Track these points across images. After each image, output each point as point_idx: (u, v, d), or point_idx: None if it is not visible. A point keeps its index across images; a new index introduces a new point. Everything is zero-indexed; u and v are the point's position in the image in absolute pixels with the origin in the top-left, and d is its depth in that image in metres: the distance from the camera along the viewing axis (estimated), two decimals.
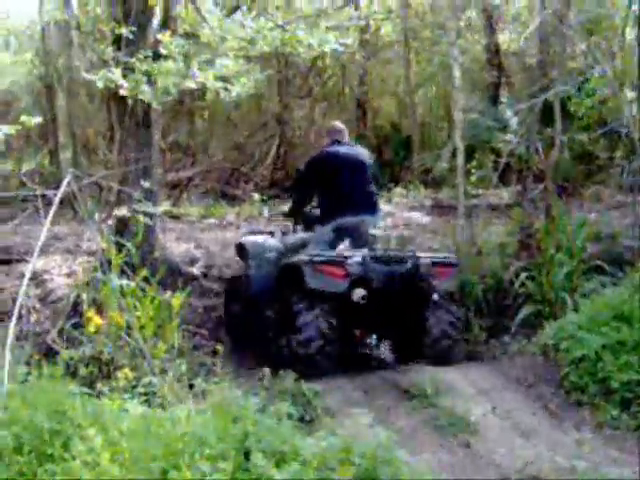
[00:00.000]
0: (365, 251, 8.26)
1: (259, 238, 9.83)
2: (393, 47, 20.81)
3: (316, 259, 8.17)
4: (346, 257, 8.18)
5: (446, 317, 8.62)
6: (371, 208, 9.04)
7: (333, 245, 8.61)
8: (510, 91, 16.78)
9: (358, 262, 8.16)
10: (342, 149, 9.23)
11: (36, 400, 5.23)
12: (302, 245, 9.13)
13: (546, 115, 11.38)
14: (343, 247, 8.42)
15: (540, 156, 11.03)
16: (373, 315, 8.50)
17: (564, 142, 12.00)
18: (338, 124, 9.72)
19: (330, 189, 9.02)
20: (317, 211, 9.37)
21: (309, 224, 9.46)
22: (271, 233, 10.02)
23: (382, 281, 8.20)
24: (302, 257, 8.41)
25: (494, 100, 16.64)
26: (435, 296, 8.43)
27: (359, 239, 8.56)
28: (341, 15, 14.87)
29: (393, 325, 8.79)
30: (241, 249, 9.87)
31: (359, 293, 8.07)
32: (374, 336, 9.14)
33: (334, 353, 8.25)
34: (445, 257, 8.86)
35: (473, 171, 13.78)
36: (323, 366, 8.14)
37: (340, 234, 8.64)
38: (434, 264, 8.45)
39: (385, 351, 9.47)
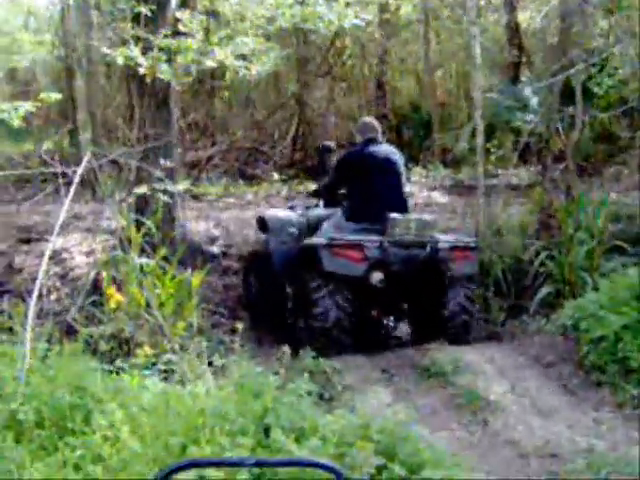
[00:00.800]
0: (381, 238, 8.23)
1: (280, 212, 9.89)
2: (413, 26, 20.72)
3: (334, 242, 8.15)
4: (364, 241, 8.18)
5: (462, 291, 8.61)
6: (402, 211, 8.81)
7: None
8: (530, 70, 16.68)
9: (376, 246, 8.18)
10: (376, 150, 9.03)
11: (57, 376, 5.28)
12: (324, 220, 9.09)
13: (567, 94, 11.31)
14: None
15: (560, 136, 10.99)
16: (391, 297, 8.55)
17: (585, 122, 11.92)
18: (370, 120, 9.56)
19: (362, 190, 8.87)
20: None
21: (333, 204, 9.39)
22: (292, 207, 10.07)
23: (400, 265, 8.23)
24: (320, 239, 8.39)
25: (514, 79, 16.52)
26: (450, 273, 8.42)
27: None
28: None
29: (412, 306, 8.87)
30: (262, 223, 9.83)
31: (377, 277, 8.10)
32: (392, 317, 9.18)
33: (350, 328, 8.24)
34: (465, 241, 8.82)
35: (493, 151, 13.73)
36: (339, 340, 8.18)
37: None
38: (453, 248, 8.46)
39: (404, 331, 9.50)
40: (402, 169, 9.26)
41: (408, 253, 8.29)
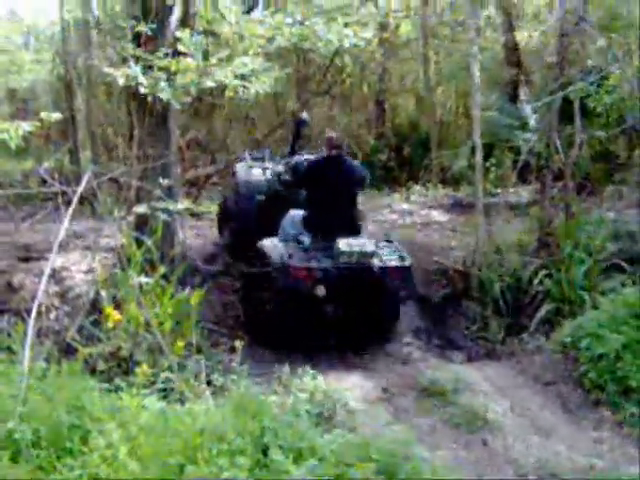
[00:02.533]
0: (329, 262, 9.14)
1: (253, 175, 11.07)
2: (412, 45, 20.77)
3: (289, 266, 9.03)
4: (312, 267, 9.07)
5: (391, 299, 9.64)
6: (351, 231, 9.57)
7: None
8: (529, 89, 16.71)
9: (322, 269, 9.05)
10: (336, 168, 9.64)
11: (55, 395, 5.26)
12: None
13: (565, 113, 11.33)
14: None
15: (559, 154, 10.99)
16: (334, 301, 9.33)
17: (583, 140, 11.93)
18: (335, 136, 9.95)
19: (317, 204, 9.66)
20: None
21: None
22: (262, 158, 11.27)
23: (341, 284, 9.08)
24: (275, 255, 9.26)
25: (513, 98, 16.56)
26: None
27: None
28: (360, 13, 14.86)
29: (351, 312, 9.58)
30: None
31: (320, 290, 8.96)
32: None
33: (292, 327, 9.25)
34: (401, 262, 9.38)
35: (492, 169, 13.76)
36: (282, 335, 9.22)
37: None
38: (389, 270, 9.23)
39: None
40: (359, 187, 9.99)
41: (348, 275, 9.10)
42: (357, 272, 9.14)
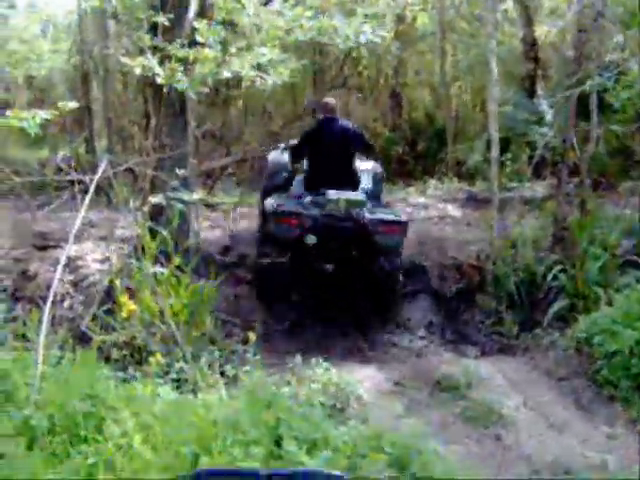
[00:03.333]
0: (318, 210, 9.52)
1: (280, 156, 11.28)
2: (429, 38, 20.72)
3: (279, 210, 9.59)
4: (301, 213, 9.54)
5: (386, 259, 9.89)
6: (349, 185, 9.97)
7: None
8: (546, 84, 16.67)
9: (311, 216, 9.46)
10: (332, 128, 10.17)
11: (70, 383, 5.28)
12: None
13: (582, 108, 11.29)
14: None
15: (575, 149, 10.95)
16: (327, 254, 9.74)
17: (600, 136, 11.90)
18: (330, 101, 10.65)
19: (315, 162, 10.23)
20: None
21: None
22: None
23: (330, 232, 9.43)
24: (269, 205, 9.87)
25: (530, 92, 16.52)
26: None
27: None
28: (377, 5, 14.83)
29: (343, 266, 9.93)
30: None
31: (310, 239, 9.38)
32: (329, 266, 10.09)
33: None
34: (391, 218, 9.70)
35: (507, 164, 13.72)
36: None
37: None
38: (380, 222, 9.50)
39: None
40: (355, 145, 10.32)
41: (337, 224, 9.43)
42: (346, 221, 9.41)
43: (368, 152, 10.85)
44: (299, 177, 10.43)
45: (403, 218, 9.87)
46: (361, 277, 9.97)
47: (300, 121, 18.77)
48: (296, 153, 10.51)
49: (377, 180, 10.83)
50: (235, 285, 10.46)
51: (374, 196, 10.34)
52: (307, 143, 10.35)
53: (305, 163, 10.44)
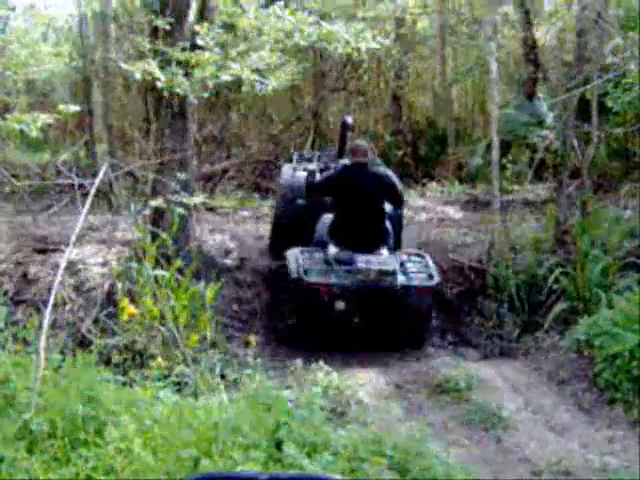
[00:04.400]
0: (347, 278, 8.98)
1: (295, 178, 10.68)
2: (429, 42, 20.72)
3: (306, 279, 8.93)
4: (330, 282, 8.98)
5: (416, 317, 9.32)
6: (379, 241, 9.40)
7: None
8: (546, 86, 16.65)
9: (341, 285, 8.93)
10: (362, 177, 9.38)
11: (70, 387, 5.28)
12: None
13: (583, 110, 11.31)
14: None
15: (576, 152, 10.96)
16: (352, 318, 9.27)
17: (600, 138, 11.90)
18: (362, 144, 9.76)
19: (342, 213, 9.46)
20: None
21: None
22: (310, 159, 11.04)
23: (360, 300, 9.00)
24: (294, 266, 9.14)
25: (530, 95, 16.49)
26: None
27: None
28: (378, 9, 14.85)
29: (374, 320, 9.40)
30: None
31: (339, 305, 8.93)
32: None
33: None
34: (427, 283, 9.19)
35: (508, 166, 13.72)
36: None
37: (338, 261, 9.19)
38: (412, 287, 9.01)
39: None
40: (388, 197, 9.54)
41: (368, 292, 8.93)
42: (377, 289, 8.95)
43: (397, 202, 9.86)
44: (324, 219, 9.75)
45: (436, 278, 9.27)
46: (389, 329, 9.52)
47: (299, 124, 18.78)
48: (315, 192, 9.95)
49: (397, 221, 10.19)
50: (236, 288, 10.46)
51: (395, 240, 9.90)
52: (334, 189, 9.56)
53: (333, 205, 9.66)
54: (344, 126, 10.88)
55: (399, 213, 10.25)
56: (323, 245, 9.39)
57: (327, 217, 9.70)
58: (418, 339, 9.59)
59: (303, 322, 9.25)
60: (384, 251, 9.31)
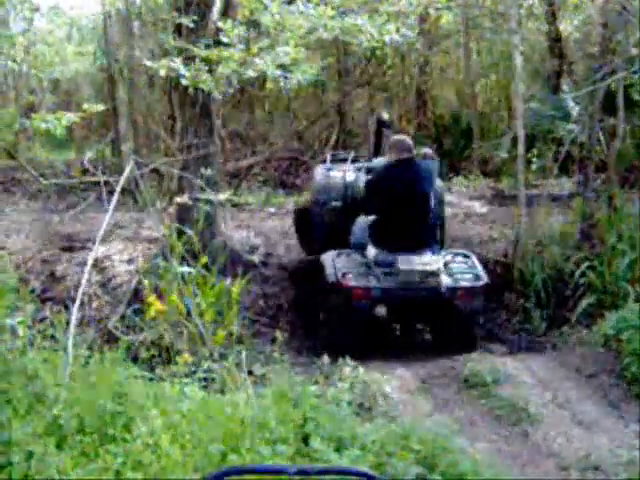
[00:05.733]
0: (388, 281, 8.65)
1: (331, 179, 10.17)
2: (453, 36, 20.67)
3: (346, 282, 8.58)
4: (369, 285, 8.63)
5: (465, 322, 9.07)
6: (425, 241, 8.99)
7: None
8: (572, 79, 16.58)
9: (381, 288, 8.61)
10: (406, 174, 8.95)
11: (98, 383, 5.31)
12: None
13: (608, 104, 11.24)
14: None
15: (602, 145, 10.91)
16: (399, 320, 9.40)
17: (626, 131, 11.84)
18: (404, 139, 9.39)
19: (385, 215, 9.02)
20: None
21: None
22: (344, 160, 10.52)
23: (401, 303, 8.84)
24: (330, 270, 8.78)
25: (555, 89, 16.44)
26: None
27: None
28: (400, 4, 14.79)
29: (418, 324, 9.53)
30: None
31: (380, 310, 8.86)
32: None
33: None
34: (470, 284, 8.87)
35: (534, 160, 13.66)
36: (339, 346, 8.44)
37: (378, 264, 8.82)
38: (457, 289, 8.72)
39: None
40: (433, 191, 9.15)
41: (410, 294, 8.66)
42: (420, 292, 8.67)
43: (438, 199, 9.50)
44: (361, 221, 9.28)
45: (484, 278, 8.95)
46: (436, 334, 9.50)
47: (323, 120, 18.79)
48: (368, 207, 9.28)
49: (440, 219, 9.78)
50: (262, 284, 10.47)
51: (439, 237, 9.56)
52: (375, 193, 9.09)
53: (374, 205, 9.18)
54: (380, 123, 10.45)
55: (441, 210, 9.91)
56: (361, 248, 9.01)
57: (364, 219, 9.26)
58: (467, 343, 8.98)
59: (341, 330, 8.73)
60: (428, 252, 8.87)
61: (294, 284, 10.48)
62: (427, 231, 9.05)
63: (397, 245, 8.78)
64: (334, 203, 9.85)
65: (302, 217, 10.81)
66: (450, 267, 8.91)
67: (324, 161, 10.98)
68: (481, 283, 8.86)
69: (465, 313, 8.88)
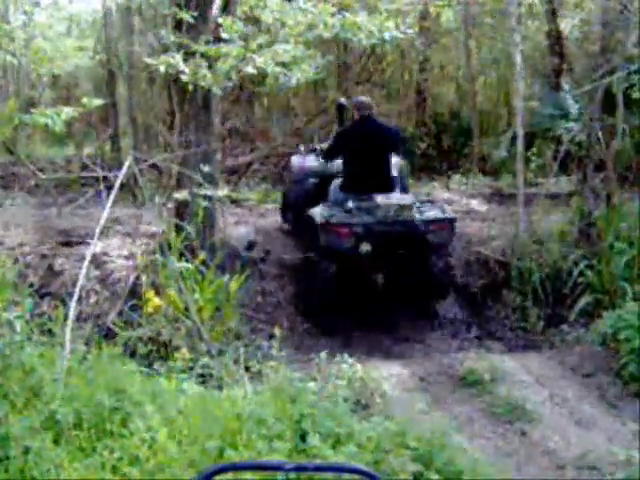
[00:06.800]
0: (369, 217, 9.44)
1: (306, 162, 11.34)
2: (453, 34, 20.66)
3: (329, 222, 9.37)
4: (352, 222, 9.38)
5: (438, 258, 9.83)
6: (387, 187, 9.93)
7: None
8: (571, 78, 16.56)
9: (362, 224, 9.34)
10: (369, 128, 10.02)
11: (95, 378, 5.32)
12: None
13: (608, 102, 11.23)
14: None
15: (601, 144, 10.89)
16: (379, 263, 9.60)
17: (626, 130, 11.82)
18: (366, 99, 10.56)
19: (353, 164, 10.01)
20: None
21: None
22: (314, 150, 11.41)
23: (383, 239, 9.32)
24: (318, 216, 9.54)
25: (555, 87, 16.42)
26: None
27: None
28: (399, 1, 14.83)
29: (397, 269, 9.79)
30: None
31: (364, 247, 9.24)
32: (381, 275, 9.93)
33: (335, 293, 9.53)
34: (443, 215, 9.70)
35: (533, 159, 13.65)
36: (324, 301, 9.63)
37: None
38: (431, 222, 9.51)
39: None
40: (392, 146, 10.28)
41: (389, 229, 9.38)
42: (397, 226, 9.38)
43: (402, 149, 10.78)
44: (335, 182, 10.30)
45: (451, 214, 9.88)
46: (412, 279, 9.87)
47: (325, 116, 18.75)
48: (331, 153, 10.38)
49: (402, 171, 10.84)
50: (260, 281, 10.48)
51: (403, 188, 10.47)
52: (343, 143, 10.17)
53: (341, 164, 10.27)
54: (339, 107, 11.32)
55: (403, 162, 11.08)
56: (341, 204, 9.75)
57: (337, 180, 10.27)
58: (442, 287, 10.04)
59: (330, 271, 9.47)
60: (397, 191, 10.04)
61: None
62: (391, 178, 10.10)
63: (367, 188, 9.74)
64: (311, 180, 10.94)
65: (285, 196, 12.06)
66: (420, 207, 9.71)
67: (297, 152, 12.02)
68: (449, 216, 9.76)
69: (435, 246, 9.61)
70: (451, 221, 9.69)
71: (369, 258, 9.27)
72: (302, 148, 11.87)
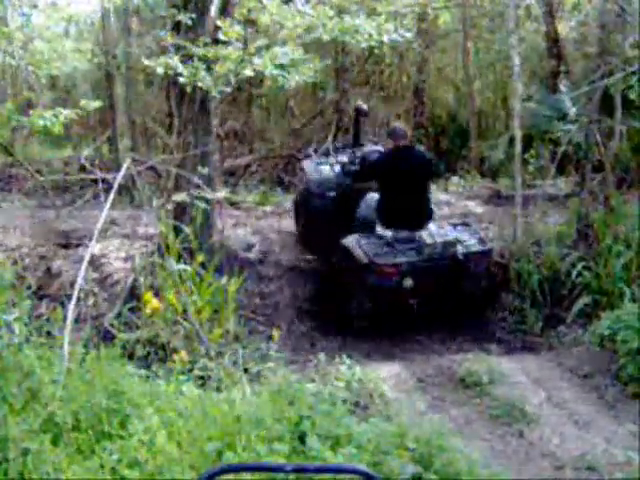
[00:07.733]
0: (414, 255, 9.32)
1: (322, 173, 10.95)
2: (451, 36, 20.68)
3: (376, 263, 9.12)
4: (399, 262, 9.21)
5: (475, 280, 9.74)
6: (427, 218, 9.78)
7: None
8: (569, 80, 16.58)
9: (409, 262, 9.21)
10: (406, 158, 9.72)
11: (94, 380, 5.32)
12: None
13: (606, 104, 11.23)
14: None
15: (599, 146, 10.90)
16: (420, 292, 9.39)
17: (623, 132, 11.83)
18: (401, 127, 10.38)
19: (391, 196, 9.69)
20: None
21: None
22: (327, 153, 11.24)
23: (426, 273, 9.25)
24: (361, 255, 9.25)
25: (553, 89, 16.43)
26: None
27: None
28: (399, 2, 14.80)
29: (439, 297, 9.69)
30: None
31: (408, 282, 9.14)
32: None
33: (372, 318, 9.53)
34: (481, 249, 9.69)
35: (531, 161, 13.66)
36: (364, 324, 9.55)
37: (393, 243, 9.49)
38: (472, 254, 9.49)
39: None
40: (431, 176, 10.37)
41: (433, 264, 9.32)
42: (442, 261, 9.35)
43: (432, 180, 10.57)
44: (368, 199, 10.14)
45: (488, 244, 9.94)
46: (446, 301, 9.85)
47: (321, 118, 18.77)
48: (364, 179, 10.17)
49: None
50: (259, 282, 10.48)
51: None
52: (381, 174, 9.82)
53: (379, 189, 9.93)
54: (358, 112, 11.08)
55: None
56: (368, 224, 9.72)
57: (371, 197, 10.09)
58: (479, 306, 10.16)
59: (374, 307, 9.42)
60: (432, 226, 9.77)
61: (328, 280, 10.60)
62: (429, 209, 9.89)
63: (404, 223, 9.57)
64: (329, 193, 10.58)
65: (298, 206, 11.68)
66: (458, 237, 9.66)
67: (308, 156, 11.77)
68: (488, 247, 9.85)
69: (474, 274, 9.58)
70: (490, 252, 9.87)
71: (410, 290, 9.21)
72: (312, 151, 11.71)
